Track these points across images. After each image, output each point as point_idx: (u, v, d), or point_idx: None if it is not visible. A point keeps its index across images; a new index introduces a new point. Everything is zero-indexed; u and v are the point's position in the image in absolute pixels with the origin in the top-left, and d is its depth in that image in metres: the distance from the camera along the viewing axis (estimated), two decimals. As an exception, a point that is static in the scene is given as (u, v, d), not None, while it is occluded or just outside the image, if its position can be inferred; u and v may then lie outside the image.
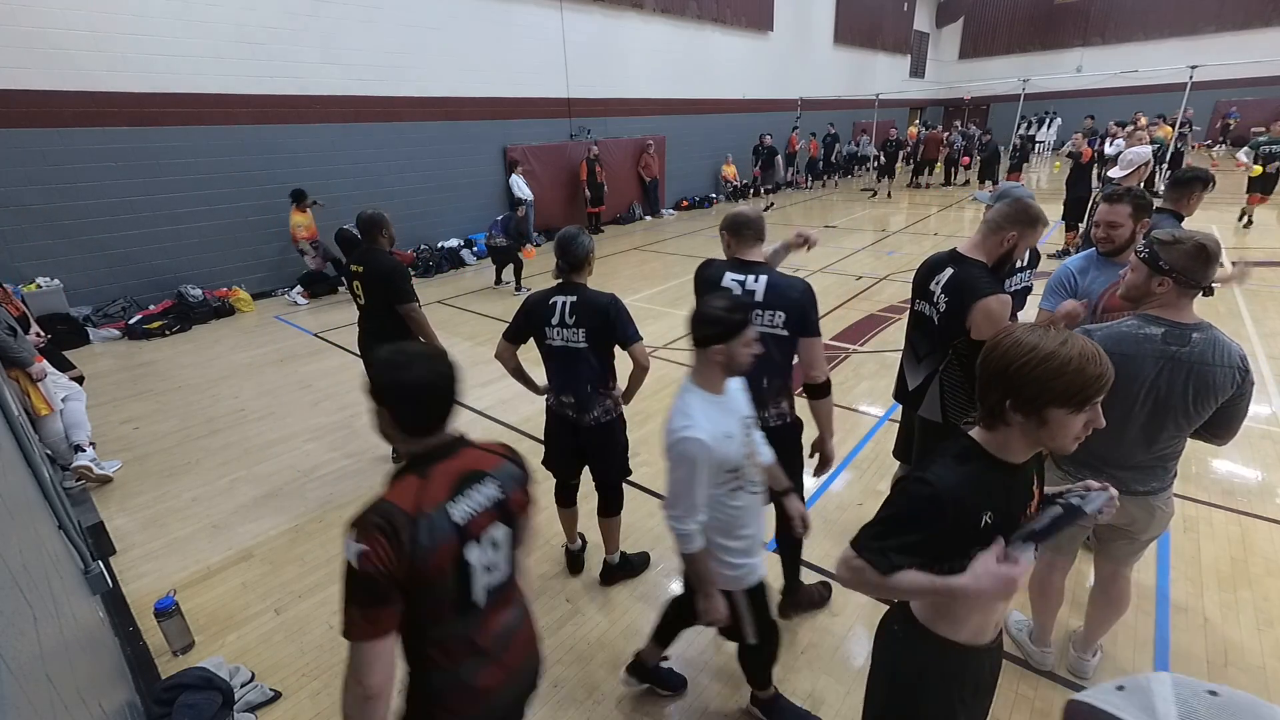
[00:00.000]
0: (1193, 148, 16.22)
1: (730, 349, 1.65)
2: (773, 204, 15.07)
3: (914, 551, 1.20)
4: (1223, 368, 1.73)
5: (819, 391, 2.22)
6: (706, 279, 2.34)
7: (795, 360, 2.25)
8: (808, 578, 2.87)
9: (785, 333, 2.16)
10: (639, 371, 2.46)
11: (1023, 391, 1.10)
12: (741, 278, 2.20)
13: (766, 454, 1.94)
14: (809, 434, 2.36)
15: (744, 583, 1.85)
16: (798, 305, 2.14)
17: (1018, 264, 2.86)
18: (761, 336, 2.17)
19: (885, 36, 22.31)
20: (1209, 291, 1.80)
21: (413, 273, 7.86)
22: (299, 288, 8.21)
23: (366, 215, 3.57)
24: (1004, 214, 2.18)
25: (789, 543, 2.55)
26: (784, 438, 2.29)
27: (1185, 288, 1.76)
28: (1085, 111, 14.86)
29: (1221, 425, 1.82)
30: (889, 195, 15.31)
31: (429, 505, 1.18)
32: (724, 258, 2.35)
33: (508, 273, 8.40)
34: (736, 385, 1.81)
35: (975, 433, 1.24)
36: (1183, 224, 3.16)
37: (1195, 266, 1.73)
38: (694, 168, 15.41)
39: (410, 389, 1.21)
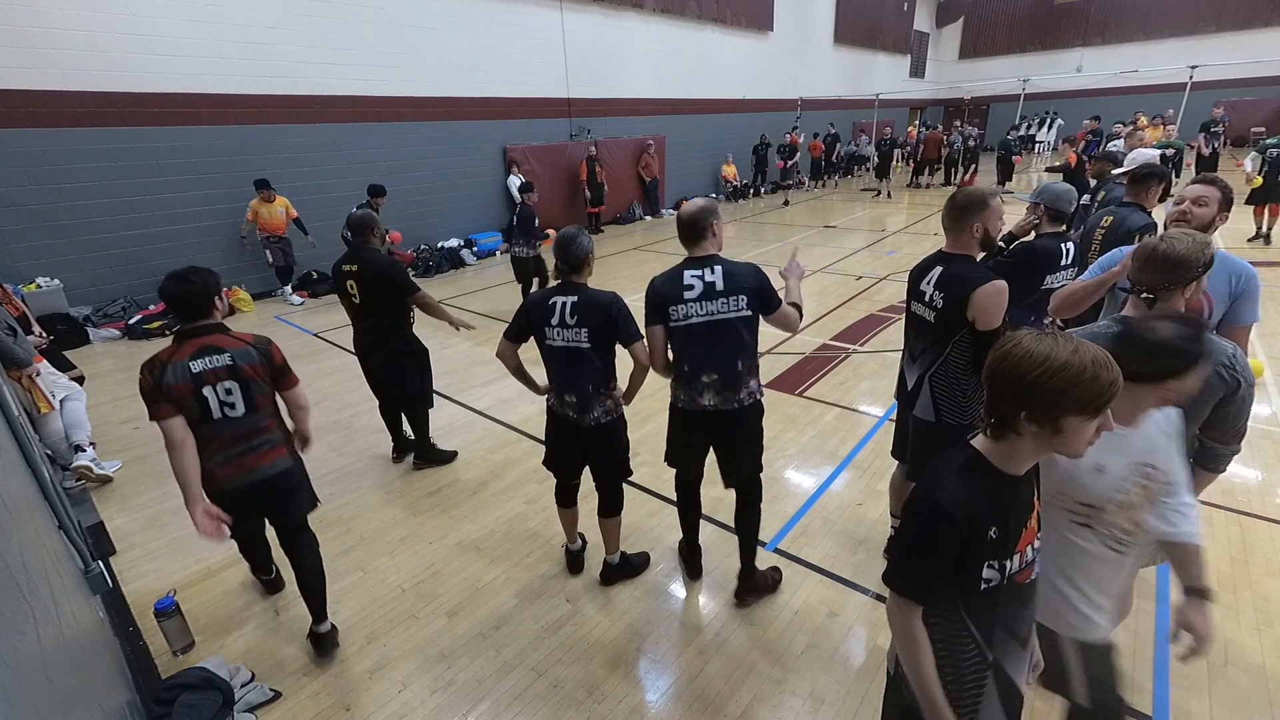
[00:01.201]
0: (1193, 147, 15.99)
1: (1184, 385, 1.35)
2: (787, 201, 15.13)
3: (938, 571, 1.20)
4: None
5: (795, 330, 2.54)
6: (662, 290, 2.35)
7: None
8: (807, 577, 2.88)
9: (750, 313, 2.32)
10: (640, 370, 2.47)
11: (1038, 402, 1.08)
12: (699, 272, 2.31)
13: (1175, 527, 1.49)
14: (770, 418, 2.67)
15: (1076, 631, 1.55)
16: (754, 286, 2.31)
17: (1061, 261, 2.82)
18: (731, 322, 2.30)
19: (885, 36, 22.31)
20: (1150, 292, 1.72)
21: (412, 272, 7.84)
22: (289, 288, 8.21)
23: (356, 216, 3.59)
24: (952, 214, 2.25)
25: (746, 527, 2.64)
26: (751, 416, 2.47)
27: (1132, 291, 1.78)
28: (1085, 112, 14.79)
29: (1213, 427, 1.80)
30: (888, 195, 15.31)
31: (176, 360, 2.16)
32: (659, 271, 2.42)
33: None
34: (1158, 421, 1.47)
35: (978, 442, 1.22)
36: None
37: (1134, 267, 1.77)
38: (694, 168, 15.41)
39: (165, 294, 2.19)
